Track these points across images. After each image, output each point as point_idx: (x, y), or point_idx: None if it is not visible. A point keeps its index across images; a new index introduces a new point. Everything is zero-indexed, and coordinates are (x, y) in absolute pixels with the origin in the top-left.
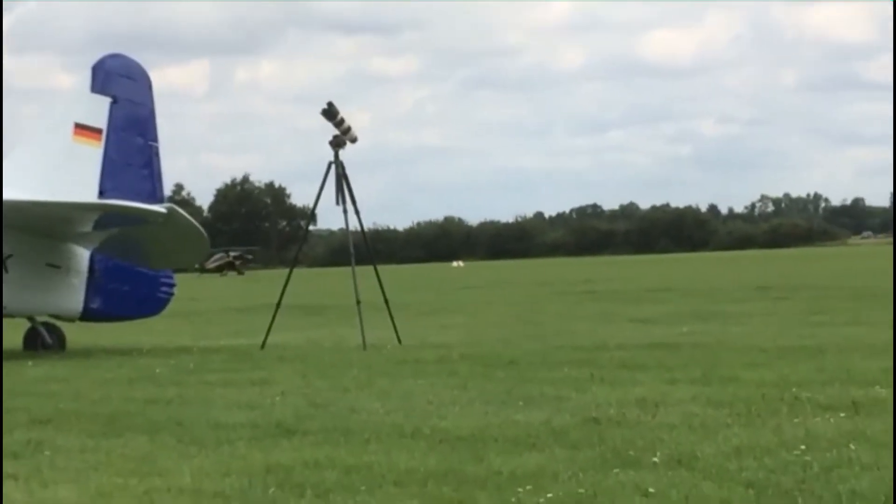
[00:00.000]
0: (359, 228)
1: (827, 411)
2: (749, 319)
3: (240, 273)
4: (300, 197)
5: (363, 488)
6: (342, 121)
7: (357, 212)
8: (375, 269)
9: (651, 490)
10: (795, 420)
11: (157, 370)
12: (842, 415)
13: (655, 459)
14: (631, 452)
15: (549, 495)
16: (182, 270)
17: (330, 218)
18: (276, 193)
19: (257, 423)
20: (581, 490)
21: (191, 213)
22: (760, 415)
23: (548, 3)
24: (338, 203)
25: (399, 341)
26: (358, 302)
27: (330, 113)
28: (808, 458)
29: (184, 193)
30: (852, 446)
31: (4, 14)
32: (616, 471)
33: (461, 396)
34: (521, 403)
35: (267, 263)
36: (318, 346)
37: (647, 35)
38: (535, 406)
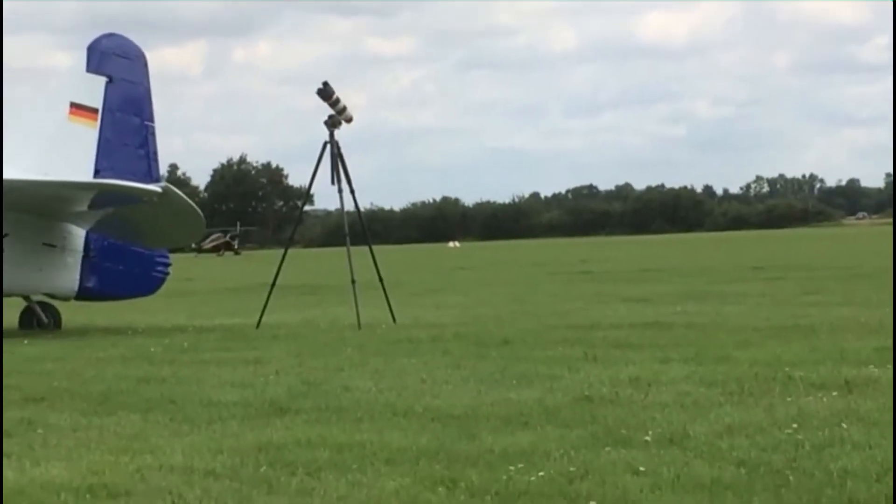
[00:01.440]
0: (354, 208)
1: (819, 390)
2: (743, 299)
3: (236, 253)
4: (297, 177)
5: (354, 466)
6: (337, 101)
7: (352, 192)
8: (370, 249)
9: (642, 468)
10: (788, 399)
11: (152, 349)
12: (834, 394)
13: (647, 438)
14: (623, 431)
15: (541, 473)
16: (179, 250)
17: (327, 198)
18: (272, 174)
19: (250, 401)
20: (572, 468)
21: (187, 194)
22: (753, 394)
23: None
24: (333, 183)
25: (394, 321)
26: (353, 281)
27: (325, 93)
28: (799, 436)
29: (179, 173)
30: (844, 425)
31: None
32: (608, 449)
33: (454, 375)
34: (514, 382)
35: (263, 244)
36: (312, 325)
37: (642, 16)
38: (528, 385)
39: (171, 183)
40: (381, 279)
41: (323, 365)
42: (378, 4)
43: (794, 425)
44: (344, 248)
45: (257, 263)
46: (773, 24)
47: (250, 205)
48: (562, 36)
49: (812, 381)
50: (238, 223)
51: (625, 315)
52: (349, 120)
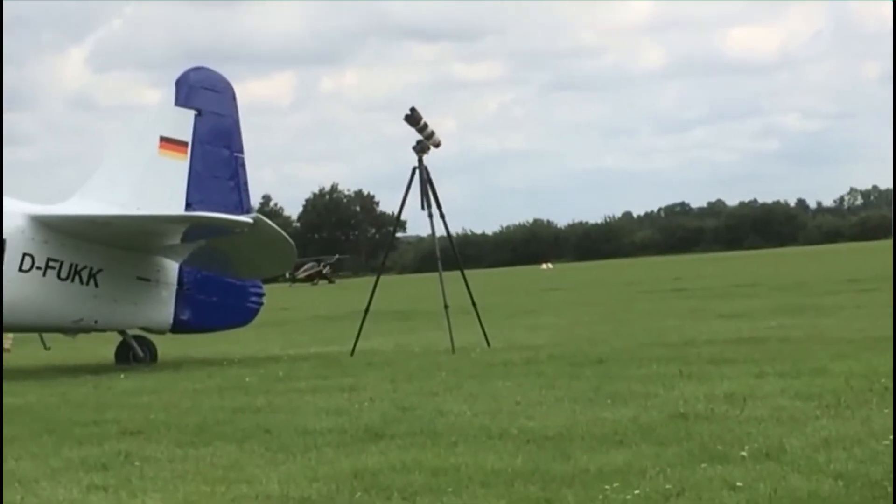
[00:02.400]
0: (445, 233)
1: None
2: (838, 312)
3: (330, 281)
4: (389, 204)
5: (450, 490)
6: (425, 126)
7: (443, 216)
8: (462, 274)
9: (738, 484)
10: (885, 410)
11: (247, 379)
12: None
13: (743, 453)
14: (718, 447)
15: (636, 492)
16: (273, 280)
17: (419, 224)
18: (364, 201)
19: (345, 428)
20: (668, 486)
21: (280, 224)
22: (849, 406)
23: (626, 2)
24: (423, 208)
25: (488, 344)
26: (446, 306)
27: (413, 118)
28: None
29: (272, 205)
30: None
31: (90, 33)
32: (703, 465)
33: (548, 396)
34: (608, 401)
35: (357, 271)
36: (406, 351)
37: (728, 32)
38: (623, 403)
39: (264, 214)
40: (473, 303)
41: (417, 390)
42: (461, 29)
43: (892, 436)
44: (437, 274)
45: (351, 291)
46: (861, 36)
47: (343, 233)
48: (648, 54)
49: None
50: (337, 255)
51: (719, 331)
52: (437, 145)
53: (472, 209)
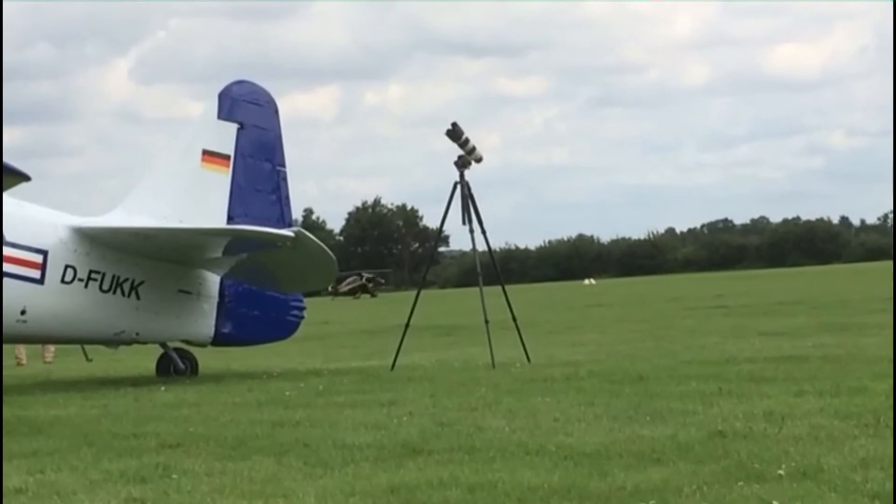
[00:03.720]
0: (486, 248)
1: None
2: (880, 331)
3: (372, 296)
4: (432, 218)
5: None
6: (467, 141)
7: (483, 231)
8: (503, 289)
9: (775, 502)
10: None
11: (287, 393)
12: None
13: (780, 472)
14: (756, 465)
15: None
16: (315, 294)
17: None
18: (407, 215)
19: (383, 443)
20: (704, 503)
21: (322, 237)
22: (889, 425)
23: (671, 20)
24: (464, 223)
25: (528, 359)
26: (486, 321)
27: (454, 133)
28: None
29: (314, 217)
30: None
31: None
32: (740, 484)
33: (587, 413)
34: (647, 418)
35: (399, 285)
36: (447, 366)
37: (773, 48)
38: (661, 421)
39: (307, 227)
40: (514, 318)
41: (456, 405)
42: (506, 45)
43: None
44: (478, 289)
45: (393, 305)
46: None
47: (386, 247)
48: (692, 70)
49: None
50: (387, 270)
51: (760, 349)
52: (479, 160)
53: (516, 224)
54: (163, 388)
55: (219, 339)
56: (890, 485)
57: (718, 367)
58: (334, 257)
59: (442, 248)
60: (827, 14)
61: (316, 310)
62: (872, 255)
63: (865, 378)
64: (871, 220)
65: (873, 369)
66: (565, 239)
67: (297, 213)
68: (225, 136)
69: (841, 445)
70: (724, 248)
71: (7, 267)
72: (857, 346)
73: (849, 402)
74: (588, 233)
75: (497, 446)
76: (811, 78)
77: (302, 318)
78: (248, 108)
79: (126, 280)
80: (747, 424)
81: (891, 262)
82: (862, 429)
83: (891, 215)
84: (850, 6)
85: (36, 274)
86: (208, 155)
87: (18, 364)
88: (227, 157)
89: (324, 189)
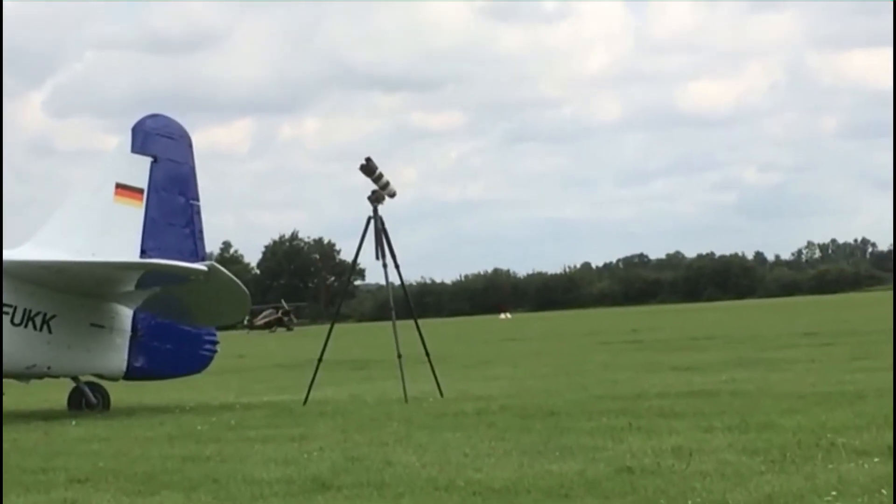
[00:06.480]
0: (399, 283)
1: (861, 456)
2: (791, 366)
3: (289, 329)
4: (349, 252)
5: None
6: (380, 175)
7: (397, 266)
8: (416, 323)
9: None
10: (829, 466)
11: (199, 427)
12: (876, 460)
13: None
14: (662, 501)
15: None
16: (231, 327)
17: (377, 272)
18: (324, 249)
19: (293, 478)
20: None
21: (239, 271)
22: (795, 461)
23: (585, 55)
24: (377, 258)
25: (441, 394)
26: (399, 356)
27: (368, 168)
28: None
29: (232, 251)
30: (884, 491)
31: (50, 77)
32: None
33: (498, 448)
34: (557, 454)
35: (316, 319)
36: (360, 400)
37: (686, 85)
38: (571, 456)
39: (224, 261)
40: (427, 353)
41: (367, 440)
42: (421, 79)
43: (834, 492)
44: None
45: (309, 338)
46: (818, 89)
47: (302, 280)
48: (607, 106)
49: (855, 447)
50: (302, 304)
51: (672, 384)
52: (392, 195)
53: (432, 258)
54: (74, 423)
55: (131, 374)
56: None
57: (630, 402)
58: (247, 291)
59: (358, 282)
60: (739, 51)
61: (232, 343)
62: (787, 290)
63: (773, 414)
64: (786, 255)
65: (781, 405)
66: (481, 273)
67: (213, 247)
68: (138, 170)
69: (747, 481)
70: (639, 283)
71: None
72: (767, 382)
73: (756, 437)
74: (504, 267)
75: (406, 481)
76: (724, 114)
77: (215, 351)
78: (161, 141)
79: (38, 314)
80: (655, 460)
81: (804, 298)
82: (768, 465)
83: (804, 250)
84: (762, 43)
85: None
86: (121, 188)
87: None
88: (140, 191)
89: (241, 222)
